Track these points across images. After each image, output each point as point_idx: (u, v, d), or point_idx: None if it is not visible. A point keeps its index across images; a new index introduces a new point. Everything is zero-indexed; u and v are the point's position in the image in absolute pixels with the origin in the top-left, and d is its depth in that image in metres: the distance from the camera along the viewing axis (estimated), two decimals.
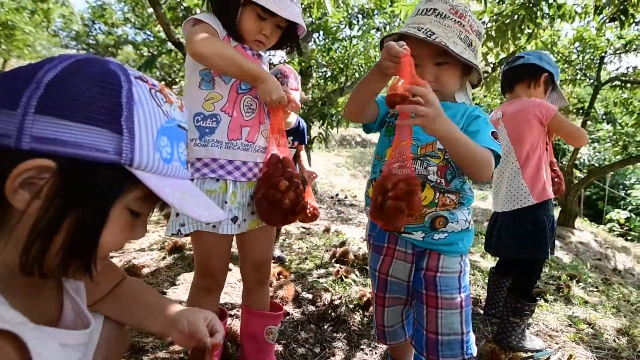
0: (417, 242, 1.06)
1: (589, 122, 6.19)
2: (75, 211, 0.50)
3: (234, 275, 2.25)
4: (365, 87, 1.04)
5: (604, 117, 6.60)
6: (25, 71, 0.50)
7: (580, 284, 2.98)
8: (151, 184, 0.53)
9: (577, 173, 6.86)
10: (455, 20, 0.98)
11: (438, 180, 1.03)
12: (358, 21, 4.87)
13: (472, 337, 1.08)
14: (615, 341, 1.91)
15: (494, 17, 3.47)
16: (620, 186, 12.69)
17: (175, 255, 2.52)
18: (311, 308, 1.88)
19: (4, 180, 0.47)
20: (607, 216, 9.88)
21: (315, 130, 5.22)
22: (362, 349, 1.61)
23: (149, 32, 9.32)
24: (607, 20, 4.01)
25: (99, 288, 0.79)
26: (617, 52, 5.24)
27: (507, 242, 1.75)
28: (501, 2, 3.88)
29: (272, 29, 1.12)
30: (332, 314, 1.82)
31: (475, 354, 1.06)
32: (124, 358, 1.36)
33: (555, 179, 1.83)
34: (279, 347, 1.54)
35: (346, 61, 5.04)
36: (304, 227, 3.63)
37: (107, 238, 0.54)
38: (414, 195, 0.87)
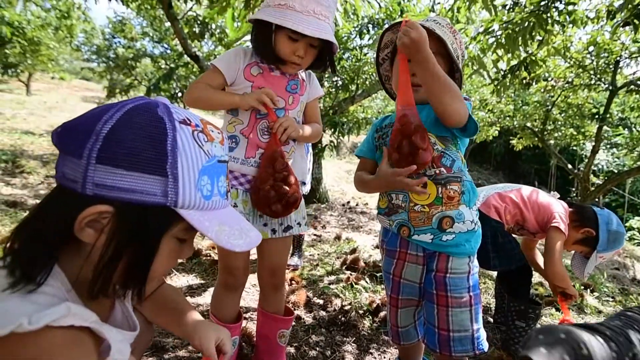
0: (427, 244, 1.13)
1: (605, 128, 6.08)
2: (131, 246, 0.59)
3: (250, 280, 2.32)
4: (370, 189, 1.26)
5: (620, 122, 6.45)
6: (87, 121, 0.58)
7: (594, 293, 2.94)
8: (193, 221, 0.60)
9: (595, 179, 6.72)
10: (451, 31, 1.14)
11: (437, 171, 1.10)
12: (368, 31, 4.94)
13: (483, 334, 1.12)
14: None
15: (504, 25, 3.48)
16: None
17: (193, 261, 2.61)
18: (322, 313, 1.94)
19: (74, 219, 0.56)
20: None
21: (326, 138, 5.30)
22: (371, 353, 1.65)
23: (166, 46, 9.64)
24: (621, 25, 3.97)
25: None
26: (633, 56, 5.17)
27: None
28: (511, 10, 3.90)
29: (305, 48, 1.21)
30: (342, 318, 1.86)
31: (486, 350, 1.10)
32: (146, 356, 1.44)
33: None
34: (291, 350, 1.60)
35: (357, 70, 5.12)
36: (315, 235, 3.69)
37: (158, 265, 0.62)
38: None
